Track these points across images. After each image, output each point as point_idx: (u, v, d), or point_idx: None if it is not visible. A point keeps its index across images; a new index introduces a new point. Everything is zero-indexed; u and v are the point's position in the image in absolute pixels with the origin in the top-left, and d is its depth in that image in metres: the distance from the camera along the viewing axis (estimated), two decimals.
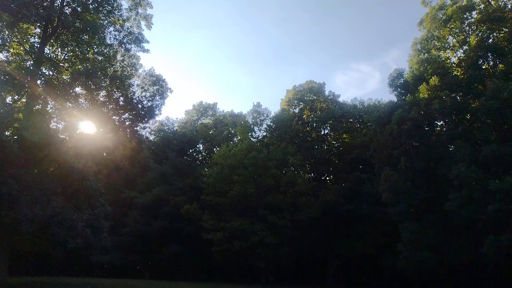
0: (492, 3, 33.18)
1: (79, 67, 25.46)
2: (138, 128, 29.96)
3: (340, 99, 53.63)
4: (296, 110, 53.80)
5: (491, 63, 32.84)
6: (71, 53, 26.82)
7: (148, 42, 27.88)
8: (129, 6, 27.39)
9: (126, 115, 28.87)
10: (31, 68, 23.37)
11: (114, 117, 28.20)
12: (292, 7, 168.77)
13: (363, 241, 41.81)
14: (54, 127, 26.70)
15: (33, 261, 46.34)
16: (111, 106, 27.68)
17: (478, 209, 26.29)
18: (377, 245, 40.89)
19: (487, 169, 27.43)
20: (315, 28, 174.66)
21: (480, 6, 33.52)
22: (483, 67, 32.93)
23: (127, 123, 29.10)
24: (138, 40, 27.43)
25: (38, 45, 24.92)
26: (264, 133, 54.14)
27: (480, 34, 32.42)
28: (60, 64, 26.73)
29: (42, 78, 25.05)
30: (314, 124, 53.00)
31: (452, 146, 31.67)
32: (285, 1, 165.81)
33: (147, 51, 27.97)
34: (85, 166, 24.45)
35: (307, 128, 53.17)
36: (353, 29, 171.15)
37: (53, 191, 22.23)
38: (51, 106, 26.17)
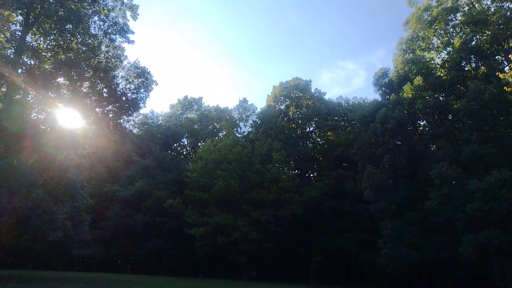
0: (476, 6, 33.77)
1: (62, 56, 24.91)
2: (121, 120, 29.57)
3: (326, 97, 54.09)
4: (282, 107, 53.95)
5: (474, 65, 33.49)
6: (54, 42, 26.17)
7: (133, 32, 27.48)
8: None
9: (110, 107, 28.43)
10: (12, 56, 22.73)
11: (97, 109, 27.76)
12: (279, 4, 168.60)
13: (345, 238, 42.28)
14: (35, 117, 26.12)
15: (12, 254, 45.38)
16: (95, 98, 27.21)
17: (457, 208, 26.87)
18: (358, 242, 41.43)
19: (467, 169, 28.02)
20: (303, 25, 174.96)
21: (464, 9, 34.09)
22: (466, 68, 33.56)
23: (111, 115, 28.66)
24: (123, 30, 26.98)
25: (20, 33, 24.24)
26: (250, 129, 54.12)
27: (463, 36, 32.99)
28: (42, 53, 26.09)
29: (23, 67, 24.42)
30: (300, 121, 53.24)
31: (434, 146, 32.24)
32: None
33: (132, 42, 27.58)
34: (66, 158, 24.02)
35: (292, 125, 53.35)
36: (340, 27, 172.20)
37: (33, 183, 21.78)
38: (32, 96, 25.57)
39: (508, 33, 29.32)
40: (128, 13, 27.53)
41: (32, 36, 25.86)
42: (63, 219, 23.83)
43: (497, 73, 24.97)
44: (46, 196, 22.98)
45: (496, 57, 32.12)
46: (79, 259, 53.48)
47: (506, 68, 30.50)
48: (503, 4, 31.92)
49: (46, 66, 25.81)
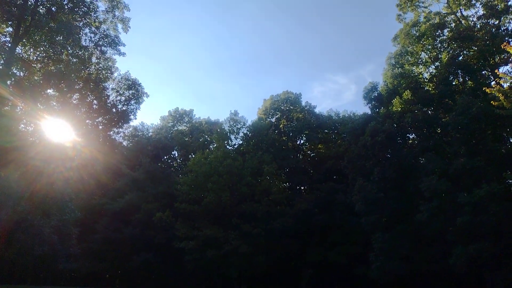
0: (462, 22, 34.54)
1: (52, 68, 24.75)
2: (111, 132, 29.40)
3: (317, 110, 54.39)
4: (273, 120, 54.11)
5: (461, 79, 34.08)
6: (44, 54, 26.00)
7: (124, 45, 27.50)
8: (106, 8, 26.91)
9: (100, 119, 28.25)
10: (1, 68, 22.53)
11: (87, 121, 27.55)
12: (270, 18, 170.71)
13: (336, 250, 42.07)
14: (23, 129, 25.78)
15: None
16: (84, 110, 27.03)
17: (448, 221, 27.01)
18: (349, 255, 41.24)
19: (457, 182, 28.26)
20: (294, 39, 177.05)
21: (452, 25, 34.86)
22: (454, 83, 34.13)
23: (100, 127, 28.48)
24: (114, 43, 26.97)
25: (9, 45, 24.05)
26: (241, 141, 54.00)
27: (451, 52, 33.65)
28: (32, 64, 25.89)
29: (12, 79, 24.17)
30: (290, 134, 53.37)
31: (423, 159, 32.52)
32: (264, 11, 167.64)
33: (123, 54, 27.55)
34: (54, 171, 23.71)
35: (283, 138, 53.45)
36: (331, 41, 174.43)
37: (20, 196, 21.40)
38: (21, 108, 25.27)
39: (494, 48, 29.96)
40: (120, 26, 27.60)
41: (22, 48, 25.68)
42: (49, 233, 23.39)
43: (484, 88, 25.42)
44: (33, 209, 22.58)
45: (483, 72, 32.78)
46: (67, 273, 52.35)
47: (493, 83, 31.09)
48: (488, 20, 32.72)
49: (36, 78, 25.60)
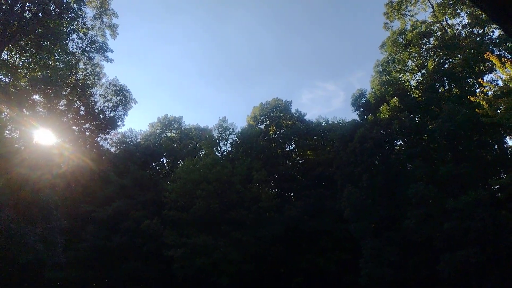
0: (448, 31, 35.16)
1: (38, 73, 24.51)
2: (99, 139, 29.14)
3: (306, 117, 54.65)
4: (262, 126, 54.19)
5: (447, 87, 34.62)
6: (30, 59, 25.78)
7: (112, 51, 27.43)
8: (94, 15, 26.85)
9: (87, 125, 28.01)
10: None
11: (74, 127, 27.28)
12: (259, 25, 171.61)
13: (325, 257, 42.04)
14: (8, 136, 25.37)
15: None
16: (71, 116, 26.77)
17: (435, 227, 27.22)
18: (339, 261, 41.25)
19: (444, 188, 28.56)
20: (282, 46, 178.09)
21: (437, 33, 35.48)
22: (440, 90, 34.66)
23: (88, 133, 28.19)
24: (102, 49, 26.87)
25: None
26: (230, 148, 53.94)
27: (437, 59, 34.20)
28: (18, 70, 25.60)
29: None
30: (280, 141, 53.47)
31: (411, 165, 32.85)
32: (252, 18, 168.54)
33: (111, 60, 27.49)
34: (40, 178, 23.32)
35: (273, 144, 53.52)
36: (320, 48, 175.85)
37: (4, 203, 20.97)
38: (6, 114, 24.90)
39: (479, 57, 30.51)
40: (108, 32, 27.57)
41: (8, 53, 25.38)
42: (34, 241, 22.93)
43: (468, 96, 25.84)
44: (18, 217, 22.14)
45: (468, 80, 33.35)
46: (52, 282, 51.34)
47: (477, 91, 31.63)
48: (473, 29, 33.38)
49: (22, 83, 25.31)
